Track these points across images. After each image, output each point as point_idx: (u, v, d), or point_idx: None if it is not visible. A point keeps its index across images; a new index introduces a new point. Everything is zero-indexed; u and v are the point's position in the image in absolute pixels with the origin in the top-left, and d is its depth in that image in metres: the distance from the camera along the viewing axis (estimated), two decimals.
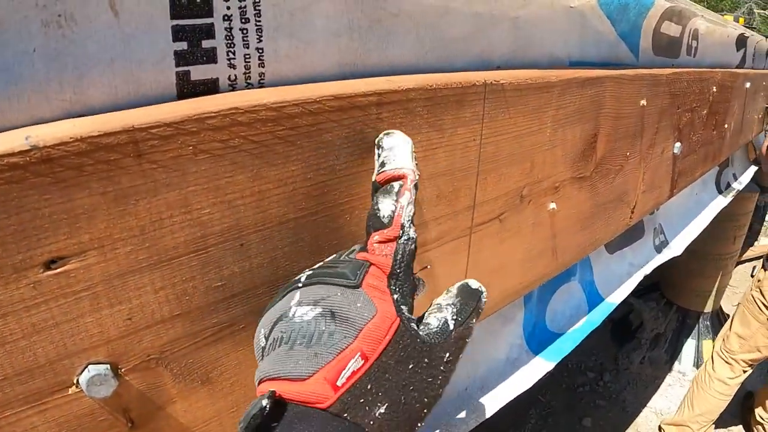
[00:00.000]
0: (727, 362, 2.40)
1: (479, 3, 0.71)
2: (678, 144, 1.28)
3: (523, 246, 0.83)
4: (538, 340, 1.16)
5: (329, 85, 0.51)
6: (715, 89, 1.53)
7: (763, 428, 2.83)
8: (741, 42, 2.05)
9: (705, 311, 3.37)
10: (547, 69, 0.82)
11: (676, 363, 3.41)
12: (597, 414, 3.11)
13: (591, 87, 0.84)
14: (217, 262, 0.46)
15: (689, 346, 3.36)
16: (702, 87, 1.42)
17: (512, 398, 1.05)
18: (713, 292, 3.32)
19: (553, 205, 0.84)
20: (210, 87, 0.47)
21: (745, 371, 2.39)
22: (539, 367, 1.12)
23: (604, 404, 3.19)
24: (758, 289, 2.26)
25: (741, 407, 3.14)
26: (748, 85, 2.02)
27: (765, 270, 2.24)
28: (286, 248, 0.51)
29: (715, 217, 2.25)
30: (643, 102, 1.03)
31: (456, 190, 0.67)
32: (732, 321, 2.42)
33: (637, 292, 3.47)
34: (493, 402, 1.03)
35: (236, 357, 0.51)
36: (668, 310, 3.37)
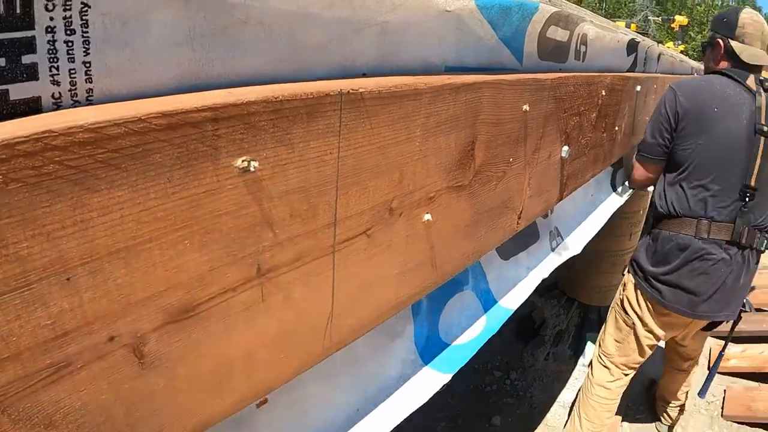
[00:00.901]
0: (605, 366, 2.41)
1: (342, 8, 0.69)
2: (566, 147, 1.32)
3: (397, 260, 0.82)
4: (432, 352, 1.15)
5: (157, 101, 0.47)
6: (604, 93, 1.59)
7: (668, 414, 3.00)
8: (632, 47, 2.14)
9: (605, 306, 3.53)
10: (420, 75, 0.81)
11: (581, 357, 3.55)
12: (506, 412, 3.18)
13: (466, 93, 0.84)
14: (43, 299, 0.42)
15: (592, 341, 3.51)
16: (590, 91, 1.47)
17: (409, 414, 1.04)
18: (612, 287, 3.49)
19: (428, 216, 0.83)
20: (32, 107, 0.43)
21: (625, 374, 2.40)
22: (434, 380, 1.12)
23: (512, 402, 3.27)
24: (623, 293, 2.30)
25: (646, 395, 3.31)
26: (638, 88, 2.12)
27: (628, 272, 2.28)
28: (120, 279, 0.47)
29: (610, 216, 2.36)
30: (526, 107, 1.05)
31: (313, 208, 0.64)
32: (606, 325, 2.46)
33: (538, 291, 3.61)
34: (389, 421, 1.01)
35: (79, 398, 0.47)
36: (570, 307, 3.51)
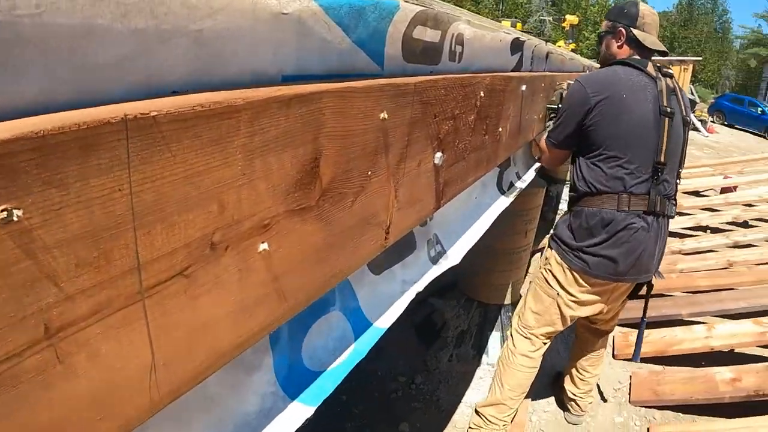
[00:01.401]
0: (526, 337, 2.60)
1: (140, 17, 0.59)
2: (439, 154, 1.26)
3: (230, 298, 0.73)
4: (296, 383, 1.07)
5: None
6: (483, 94, 1.55)
7: (576, 404, 3.10)
8: (517, 46, 2.14)
9: (505, 303, 3.60)
10: (249, 88, 0.73)
11: (484, 356, 3.60)
12: (414, 417, 3.17)
13: (301, 106, 0.75)
14: None
15: (494, 339, 3.56)
16: (466, 93, 1.42)
17: None
18: (511, 285, 3.55)
19: (264, 246, 0.74)
20: None
21: (544, 343, 2.61)
22: (299, 413, 1.04)
23: (419, 406, 3.27)
24: (546, 267, 2.49)
25: (553, 387, 3.40)
26: (524, 87, 2.12)
27: (551, 249, 2.48)
28: None
29: (505, 214, 2.37)
30: (384, 115, 0.98)
31: (105, 253, 0.54)
32: (526, 298, 2.64)
33: (437, 292, 3.62)
34: None
35: None
36: (470, 307, 3.55)
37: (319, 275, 0.91)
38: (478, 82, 1.51)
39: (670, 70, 2.41)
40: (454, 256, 1.67)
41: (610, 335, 3.24)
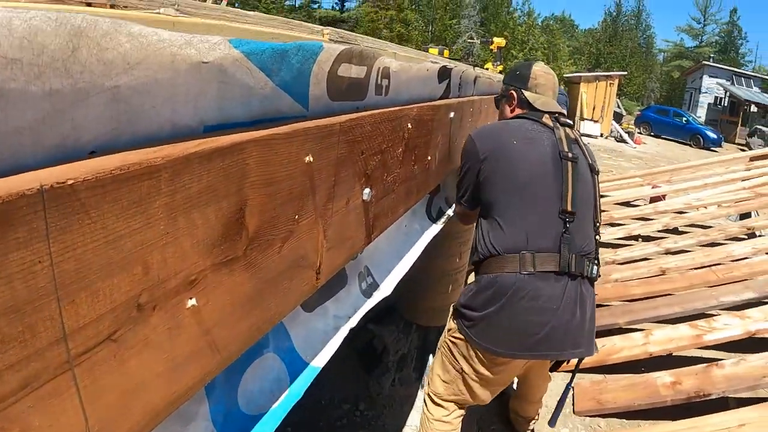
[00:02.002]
0: (437, 404, 2.34)
1: (55, 77, 0.59)
2: (368, 190, 1.30)
3: (161, 356, 0.73)
4: (234, 429, 1.07)
5: None
6: (410, 126, 1.59)
7: (524, 419, 3.13)
8: (444, 74, 2.20)
9: (444, 325, 3.64)
10: (169, 142, 0.74)
11: (424, 378, 3.63)
12: None
13: (223, 158, 0.77)
14: None
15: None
16: (393, 126, 1.47)
17: None
18: (449, 306, 3.61)
19: (192, 302, 0.75)
20: None
21: (461, 407, 2.35)
22: None
23: None
24: (449, 338, 2.24)
25: (500, 407, 3.44)
26: (452, 114, 2.18)
27: (453, 320, 2.22)
28: None
29: (439, 237, 2.41)
30: (309, 158, 1.00)
31: (30, 327, 0.54)
32: (434, 364, 2.41)
33: (375, 318, 3.65)
34: None
35: None
36: (409, 330, 3.58)
37: (251, 323, 0.93)
38: (405, 115, 1.55)
39: (569, 121, 2.26)
40: (386, 288, 1.70)
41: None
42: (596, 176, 2.19)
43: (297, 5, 52.25)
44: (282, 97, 1.03)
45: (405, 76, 1.67)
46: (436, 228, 2.40)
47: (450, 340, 2.21)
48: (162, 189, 0.67)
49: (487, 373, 2.11)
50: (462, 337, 2.11)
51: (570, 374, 2.51)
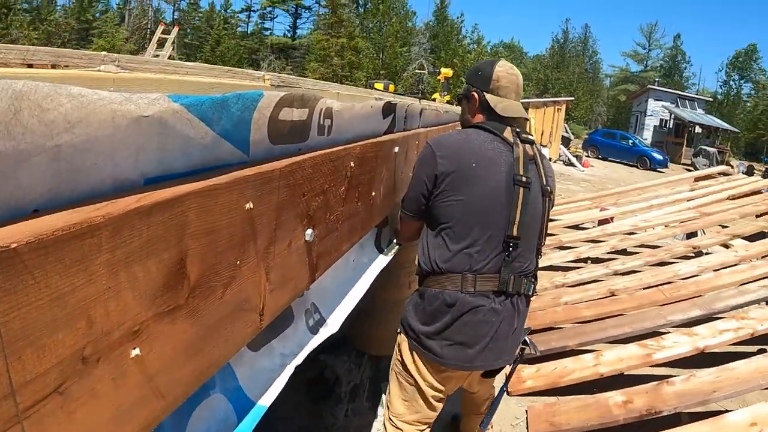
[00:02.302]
0: (398, 428, 2.35)
1: None
2: (310, 230, 1.34)
3: (108, 405, 0.76)
4: None
5: None
6: (353, 164, 1.65)
7: None
8: (388, 109, 2.25)
9: None
10: (110, 196, 0.77)
11: (380, 408, 3.65)
12: None
13: (163, 212, 0.81)
14: None
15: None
16: (335, 166, 1.52)
17: None
18: None
19: (136, 352, 0.78)
20: None
21: (421, 430, 2.37)
22: None
23: None
24: (399, 356, 2.30)
25: (450, 430, 3.46)
26: (397, 149, 2.25)
27: (400, 333, 2.28)
28: None
29: (388, 267, 2.45)
30: (250, 205, 1.04)
31: None
32: (390, 386, 2.43)
33: (327, 348, 3.67)
34: None
35: None
36: (361, 360, 3.62)
37: (195, 368, 0.96)
38: (347, 154, 1.61)
39: (530, 136, 2.25)
40: (333, 323, 1.73)
41: (504, 371, 3.31)
42: (547, 198, 2.22)
43: (249, 31, 52.47)
44: (223, 145, 1.07)
45: (348, 115, 1.73)
46: (385, 259, 2.44)
47: (400, 357, 2.27)
48: (103, 246, 0.71)
49: (437, 384, 2.20)
50: (409, 350, 2.19)
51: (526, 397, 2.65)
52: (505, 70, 2.23)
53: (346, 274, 2.05)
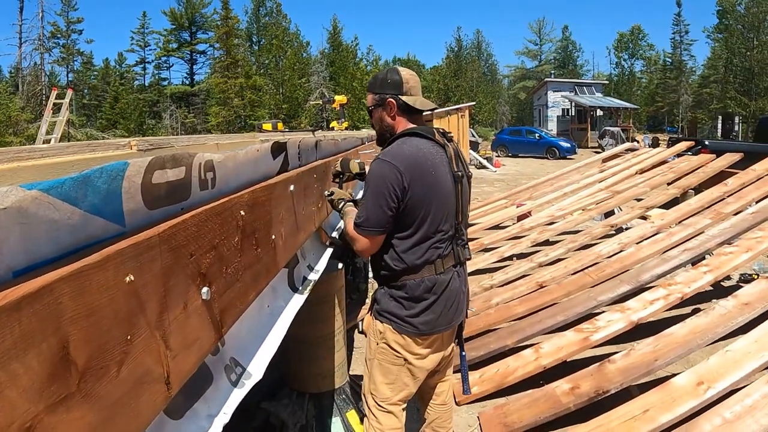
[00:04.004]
0: (388, 412, 2.63)
1: None
2: (206, 289, 1.35)
3: None
4: None
5: None
6: (243, 212, 1.67)
7: None
8: (278, 149, 2.30)
9: (336, 387, 3.69)
10: None
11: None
12: None
13: (34, 303, 0.81)
14: None
15: (336, 425, 3.62)
16: (223, 218, 1.53)
17: None
18: (336, 368, 3.67)
19: None
20: None
21: (403, 410, 2.70)
22: None
23: None
24: (383, 341, 2.56)
25: None
26: (292, 187, 2.27)
27: (381, 323, 2.56)
28: None
29: (309, 304, 2.47)
30: (130, 277, 1.05)
31: None
32: (371, 376, 2.67)
33: (267, 395, 3.64)
34: None
35: None
36: (303, 401, 3.60)
37: None
38: (235, 204, 1.62)
39: (449, 133, 2.66)
40: (257, 372, 1.74)
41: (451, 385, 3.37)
42: (469, 180, 2.67)
43: (147, 84, 51.62)
44: (94, 221, 1.07)
45: (232, 164, 1.75)
46: (301, 298, 2.46)
47: (384, 342, 2.56)
48: None
49: (424, 351, 2.57)
50: (395, 332, 2.51)
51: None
52: (407, 72, 2.58)
53: (263, 321, 2.05)
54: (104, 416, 0.96)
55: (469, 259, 2.69)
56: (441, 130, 2.60)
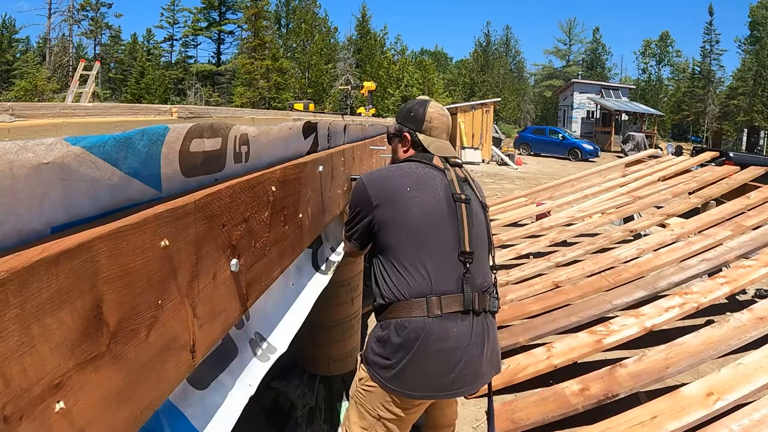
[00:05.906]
0: None
1: None
2: (235, 261, 1.34)
3: None
4: None
5: None
6: (275, 188, 1.66)
7: None
8: (309, 129, 2.28)
9: (347, 372, 3.69)
10: (15, 249, 0.76)
11: (340, 429, 3.63)
12: None
13: (70, 260, 0.80)
14: None
15: (345, 408, 3.62)
16: (255, 193, 1.52)
17: None
18: (349, 353, 3.67)
19: (61, 405, 0.77)
20: None
21: None
22: None
23: None
24: (362, 387, 2.25)
25: None
26: (321, 168, 2.26)
27: (363, 367, 2.25)
28: None
29: (328, 287, 2.46)
30: (165, 242, 1.04)
31: None
32: (349, 413, 2.39)
33: (278, 375, 3.66)
34: None
35: None
36: (313, 383, 3.61)
37: (128, 413, 0.94)
38: (267, 179, 1.61)
39: (458, 160, 2.39)
40: (281, 346, 1.73)
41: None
42: (486, 212, 2.34)
43: (173, 61, 51.84)
44: (133, 184, 1.07)
45: (265, 139, 1.74)
46: (325, 279, 2.45)
47: (363, 389, 2.23)
48: (10, 301, 0.70)
49: (403, 414, 2.17)
50: (375, 384, 2.14)
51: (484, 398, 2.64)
52: (436, 111, 2.38)
53: (288, 299, 2.05)
54: (130, 379, 0.95)
55: (494, 311, 2.22)
56: (445, 157, 2.34)
